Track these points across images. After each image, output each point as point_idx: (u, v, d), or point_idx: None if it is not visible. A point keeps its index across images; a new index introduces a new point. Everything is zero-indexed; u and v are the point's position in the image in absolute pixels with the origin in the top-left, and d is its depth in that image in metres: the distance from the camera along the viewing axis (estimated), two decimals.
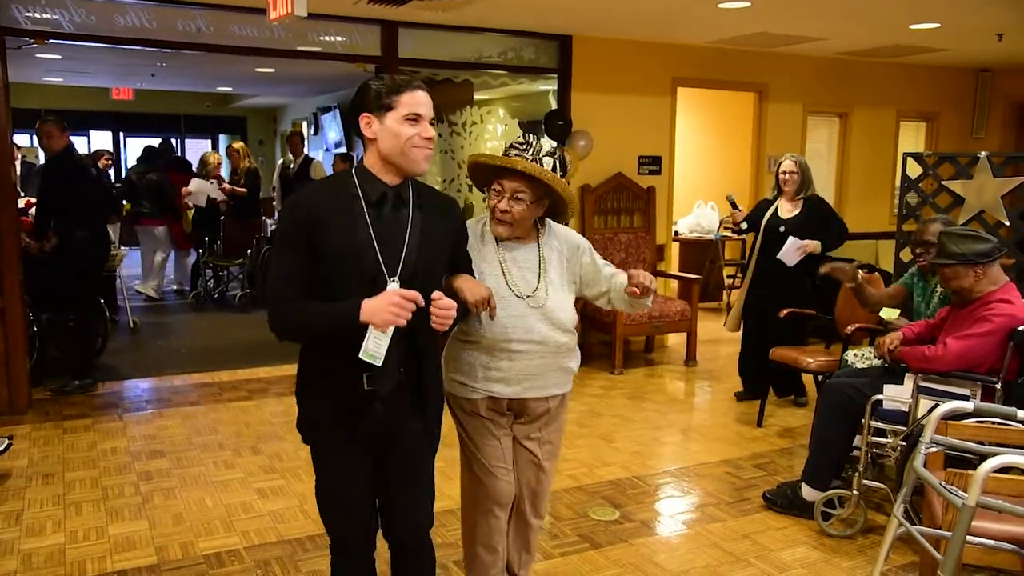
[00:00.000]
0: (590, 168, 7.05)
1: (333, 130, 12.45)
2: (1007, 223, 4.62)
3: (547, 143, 2.57)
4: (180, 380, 6.23)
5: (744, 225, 5.67)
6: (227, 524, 3.81)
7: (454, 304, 2.18)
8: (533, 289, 2.62)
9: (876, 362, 4.11)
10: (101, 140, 14.32)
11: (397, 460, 2.36)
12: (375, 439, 2.31)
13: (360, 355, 2.11)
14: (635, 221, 7.40)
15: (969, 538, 2.09)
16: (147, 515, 3.90)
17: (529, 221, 2.62)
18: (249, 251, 9.17)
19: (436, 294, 2.17)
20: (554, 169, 2.53)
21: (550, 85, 7.54)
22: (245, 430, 5.12)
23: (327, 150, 12.54)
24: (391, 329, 2.12)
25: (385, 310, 2.08)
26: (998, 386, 3.50)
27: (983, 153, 4.73)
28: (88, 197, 5.99)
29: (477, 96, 8.23)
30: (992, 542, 2.48)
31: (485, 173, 2.61)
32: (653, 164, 7.74)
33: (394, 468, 2.36)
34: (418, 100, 2.17)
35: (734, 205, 5.82)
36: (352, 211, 2.19)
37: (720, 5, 5.98)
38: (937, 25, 6.79)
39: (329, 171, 9.23)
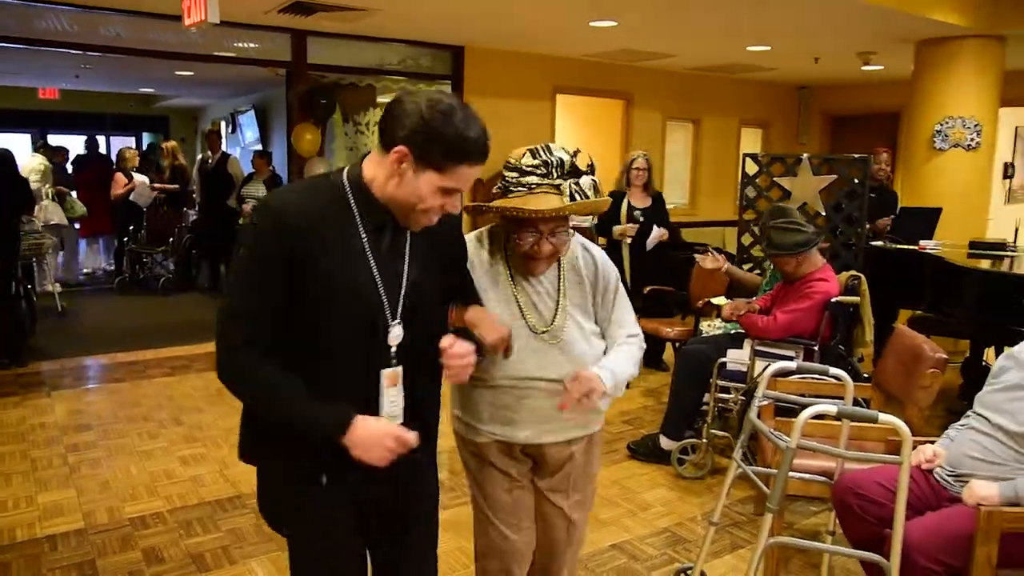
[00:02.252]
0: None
1: (250, 130, 12.02)
2: (823, 213, 4.85)
3: (561, 153, 1.87)
4: (106, 359, 5.89)
5: (629, 240, 5.49)
6: (151, 490, 3.64)
7: (471, 349, 1.61)
8: (549, 322, 1.94)
9: (719, 332, 4.25)
10: (26, 139, 13.29)
11: (414, 514, 1.78)
12: (385, 496, 1.71)
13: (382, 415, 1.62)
14: None
15: (791, 474, 2.19)
16: (74, 484, 3.68)
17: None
18: (171, 239, 8.79)
19: (447, 340, 1.58)
20: (595, 189, 1.87)
21: (445, 90, 7.46)
22: (168, 403, 4.89)
23: (243, 148, 12.09)
24: (400, 383, 1.63)
25: (379, 447, 1.52)
26: (816, 348, 3.67)
27: (805, 155, 4.95)
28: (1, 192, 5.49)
29: (379, 99, 8.08)
30: (808, 476, 2.64)
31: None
32: None
33: (411, 524, 1.78)
34: (469, 176, 1.53)
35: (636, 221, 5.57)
36: (349, 237, 1.55)
37: (591, 23, 6.04)
38: (768, 48, 7.06)
39: (247, 167, 8.87)
